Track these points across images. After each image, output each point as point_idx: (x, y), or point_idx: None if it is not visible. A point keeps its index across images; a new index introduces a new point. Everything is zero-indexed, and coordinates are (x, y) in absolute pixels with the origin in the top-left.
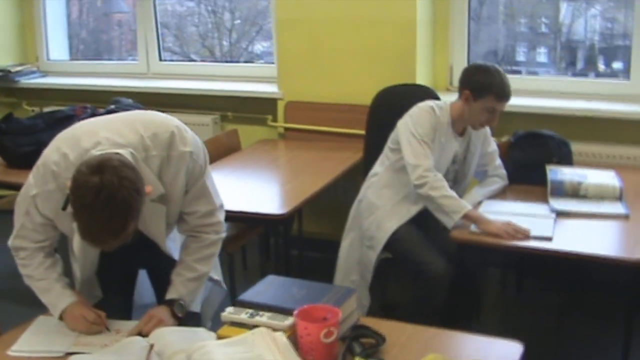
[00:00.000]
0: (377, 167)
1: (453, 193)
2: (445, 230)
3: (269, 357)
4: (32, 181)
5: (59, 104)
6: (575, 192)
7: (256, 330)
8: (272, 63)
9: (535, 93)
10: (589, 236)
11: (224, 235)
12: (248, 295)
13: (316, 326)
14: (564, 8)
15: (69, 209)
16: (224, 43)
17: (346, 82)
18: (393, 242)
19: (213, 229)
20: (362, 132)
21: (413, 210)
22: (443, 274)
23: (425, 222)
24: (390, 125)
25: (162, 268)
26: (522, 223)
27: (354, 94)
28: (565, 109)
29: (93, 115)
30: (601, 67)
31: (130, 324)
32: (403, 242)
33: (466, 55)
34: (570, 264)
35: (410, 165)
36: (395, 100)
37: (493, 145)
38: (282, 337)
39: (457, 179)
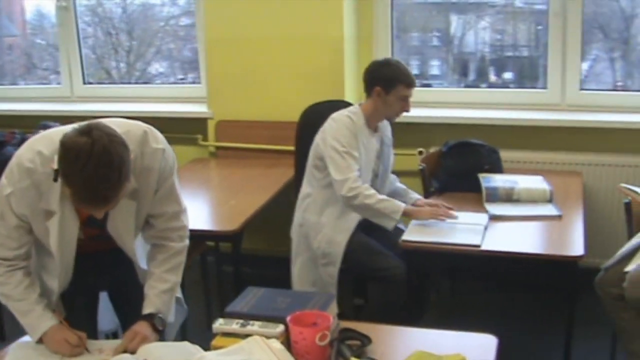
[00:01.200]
0: (306, 188)
1: (385, 196)
2: (393, 233)
3: None
4: (4, 182)
5: None
6: (508, 197)
7: (250, 338)
8: (196, 83)
9: (453, 105)
10: (526, 236)
11: (187, 242)
12: (234, 306)
13: (311, 330)
14: (454, 21)
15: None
16: (121, 65)
17: (276, 99)
18: (348, 254)
19: (178, 234)
20: (291, 148)
21: (356, 218)
22: (402, 275)
23: (372, 229)
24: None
25: (124, 287)
26: (455, 232)
27: (284, 112)
28: (491, 119)
29: (23, 140)
30: (492, 77)
31: (111, 343)
32: (357, 253)
33: None
34: (505, 266)
35: (337, 181)
36: (323, 117)
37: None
38: (276, 343)
39: (379, 173)
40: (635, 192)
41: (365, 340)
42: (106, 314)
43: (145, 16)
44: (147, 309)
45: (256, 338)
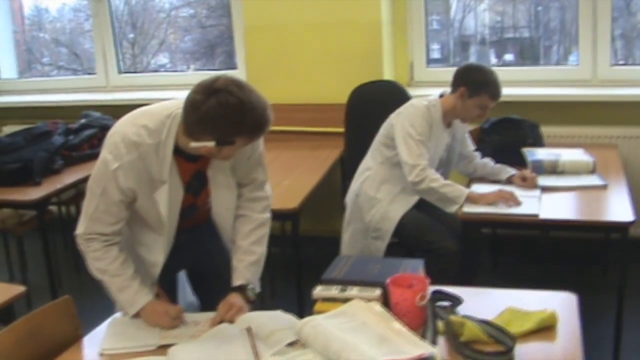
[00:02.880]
0: (369, 162)
1: (449, 181)
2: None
3: (372, 323)
4: (109, 157)
5: (19, 122)
6: (553, 169)
7: (351, 302)
8: (234, 69)
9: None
10: (577, 206)
11: (270, 214)
12: (329, 273)
13: (411, 291)
14: (454, 4)
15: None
16: (127, 56)
17: (315, 83)
18: (401, 229)
19: (263, 204)
20: (335, 129)
21: (412, 200)
22: (454, 250)
23: (426, 207)
24: (367, 120)
25: (211, 263)
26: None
27: (324, 94)
28: (526, 96)
29: (67, 130)
30: (493, 59)
31: (206, 315)
32: (411, 227)
33: (425, 53)
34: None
35: (408, 165)
36: (370, 97)
37: (471, 145)
38: (377, 306)
39: (444, 164)
40: None
41: (456, 300)
42: (182, 294)
43: (146, 8)
44: (237, 281)
45: (357, 301)
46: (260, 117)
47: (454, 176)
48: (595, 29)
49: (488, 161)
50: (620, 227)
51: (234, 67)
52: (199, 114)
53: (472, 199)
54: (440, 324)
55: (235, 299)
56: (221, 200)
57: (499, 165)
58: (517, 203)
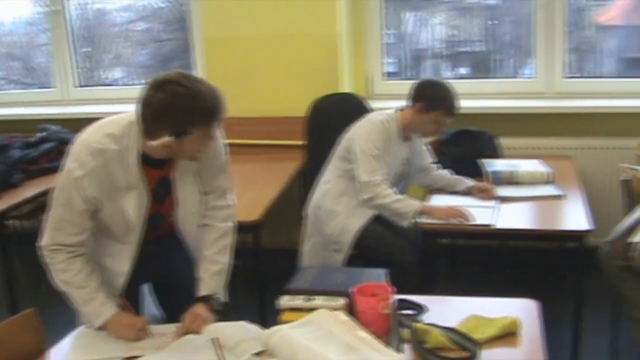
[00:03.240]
0: (328, 175)
1: (401, 196)
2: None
3: (338, 332)
4: (73, 166)
5: None
6: (511, 179)
7: (317, 311)
8: None
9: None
10: (534, 215)
11: (233, 224)
12: (295, 284)
13: (376, 300)
14: (408, 18)
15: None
16: (80, 71)
17: (274, 96)
18: (361, 241)
19: (226, 213)
20: (294, 142)
21: (371, 212)
22: (413, 260)
23: (387, 219)
24: (327, 132)
25: (177, 275)
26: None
27: (282, 107)
28: (488, 108)
29: (26, 143)
30: (448, 73)
31: (171, 327)
32: (371, 239)
33: (381, 66)
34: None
35: (360, 182)
36: (329, 109)
37: (429, 157)
38: (342, 315)
39: (402, 177)
40: (637, 170)
41: (420, 309)
42: (147, 306)
43: (101, 22)
44: (202, 291)
45: (322, 311)
46: (211, 104)
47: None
48: (550, 43)
49: (446, 173)
50: (577, 236)
51: None
52: (151, 109)
53: (425, 213)
54: (405, 332)
55: (200, 309)
56: (186, 205)
57: (456, 177)
58: (468, 220)
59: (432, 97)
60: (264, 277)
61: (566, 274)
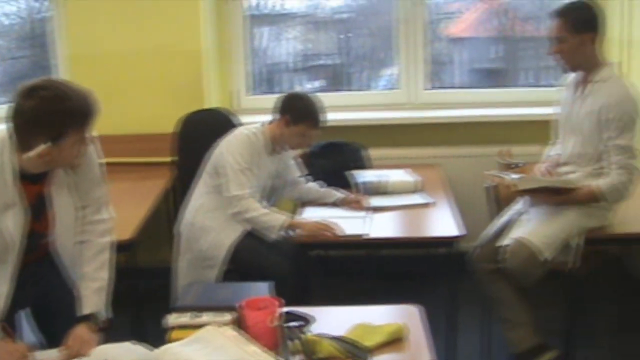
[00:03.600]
0: (198, 191)
1: (268, 210)
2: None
3: (228, 347)
4: None
5: None
6: (381, 189)
7: (205, 328)
8: None
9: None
10: (405, 224)
11: (111, 238)
12: (182, 301)
13: (264, 313)
14: (262, 33)
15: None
16: None
17: (139, 112)
18: (235, 255)
19: (103, 227)
20: (162, 159)
21: (242, 226)
22: (286, 273)
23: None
24: (196, 148)
25: (55, 298)
26: (340, 224)
27: (146, 124)
28: (354, 120)
29: None
30: (299, 87)
31: (53, 352)
32: (244, 254)
33: (245, 81)
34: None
35: (230, 196)
36: (198, 125)
37: (297, 171)
38: (230, 330)
39: (273, 191)
40: (501, 177)
41: (306, 320)
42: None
43: None
44: (84, 310)
45: (211, 327)
46: (82, 104)
47: None
48: (412, 55)
49: (314, 185)
50: (448, 242)
51: None
52: (24, 118)
53: (292, 226)
54: (295, 344)
55: (82, 330)
56: (62, 221)
57: (326, 189)
58: (336, 232)
59: (297, 110)
60: (140, 296)
61: (439, 279)
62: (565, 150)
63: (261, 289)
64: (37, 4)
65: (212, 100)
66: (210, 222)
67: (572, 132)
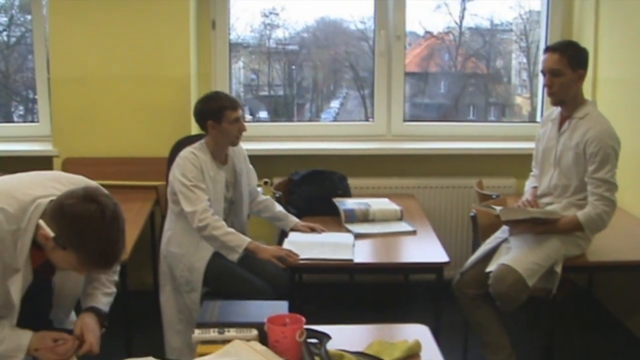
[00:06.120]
0: (168, 221)
1: (232, 230)
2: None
3: None
4: None
5: None
6: (365, 217)
7: (232, 343)
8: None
9: (278, 138)
10: (390, 250)
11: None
12: (204, 318)
13: (291, 329)
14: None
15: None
16: None
17: (124, 136)
18: (211, 279)
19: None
20: (147, 182)
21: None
22: (267, 292)
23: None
24: None
25: None
26: (326, 249)
27: (133, 148)
28: (324, 150)
29: None
30: (247, 116)
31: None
32: (219, 278)
33: None
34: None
35: (188, 212)
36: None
37: (255, 178)
38: (258, 345)
39: (234, 201)
40: (492, 208)
41: (324, 337)
42: None
43: None
44: (90, 303)
45: (238, 342)
46: (101, 251)
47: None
48: (389, 88)
49: (272, 202)
50: (436, 268)
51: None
52: (66, 208)
53: (252, 249)
54: (317, 359)
55: (89, 318)
56: (67, 287)
57: (283, 212)
58: (294, 260)
59: (212, 110)
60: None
61: (415, 305)
62: (543, 182)
63: (280, 307)
64: None
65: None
66: (181, 249)
67: (551, 165)
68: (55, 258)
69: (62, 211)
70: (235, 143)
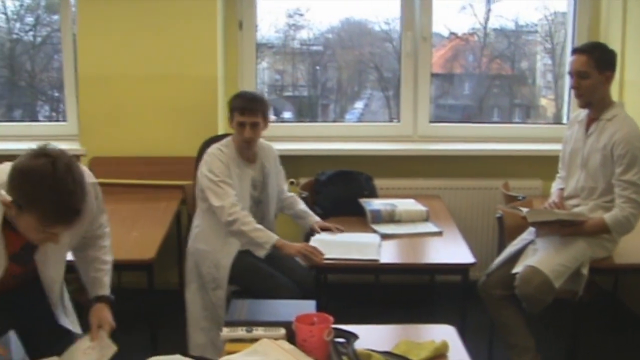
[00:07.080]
0: (196, 219)
1: (261, 226)
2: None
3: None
4: None
5: None
6: (391, 217)
7: (260, 341)
8: (60, 121)
9: (304, 138)
10: (417, 251)
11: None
12: (232, 316)
13: (319, 328)
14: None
15: None
16: None
17: (150, 136)
18: (237, 276)
19: (102, 230)
20: (172, 182)
21: (237, 242)
22: (292, 290)
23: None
24: None
25: (37, 327)
26: (352, 249)
27: (160, 147)
28: (351, 150)
29: None
30: (272, 117)
31: (85, 341)
32: (245, 275)
33: None
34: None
35: (217, 207)
36: None
37: (284, 178)
38: (286, 344)
39: (261, 201)
40: (518, 210)
41: (352, 336)
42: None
43: None
44: (100, 291)
45: (266, 340)
46: (54, 207)
47: None
48: (416, 89)
49: (295, 200)
50: (462, 269)
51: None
52: (16, 170)
53: (279, 246)
54: (345, 358)
55: (103, 309)
56: (51, 269)
57: (304, 210)
58: (320, 259)
59: (229, 107)
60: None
61: (440, 306)
62: (570, 184)
63: (307, 306)
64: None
65: (225, 126)
66: (208, 246)
67: (578, 167)
68: (20, 225)
69: (13, 172)
70: (243, 145)
